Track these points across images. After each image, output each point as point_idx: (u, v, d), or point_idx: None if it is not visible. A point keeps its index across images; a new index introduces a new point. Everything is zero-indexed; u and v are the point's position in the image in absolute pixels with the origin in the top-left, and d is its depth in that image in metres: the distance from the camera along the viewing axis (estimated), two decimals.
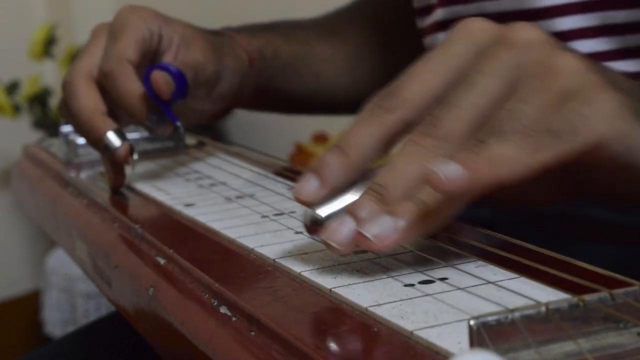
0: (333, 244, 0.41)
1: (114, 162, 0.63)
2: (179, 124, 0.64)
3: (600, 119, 0.39)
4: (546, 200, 0.47)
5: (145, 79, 0.62)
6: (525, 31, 0.41)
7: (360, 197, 0.41)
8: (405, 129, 0.42)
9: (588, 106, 0.39)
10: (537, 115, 0.39)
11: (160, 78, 0.62)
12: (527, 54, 0.41)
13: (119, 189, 0.65)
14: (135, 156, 0.63)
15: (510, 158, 0.38)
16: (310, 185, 0.43)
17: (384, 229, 0.39)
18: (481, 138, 0.39)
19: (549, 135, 0.39)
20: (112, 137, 0.62)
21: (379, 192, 0.40)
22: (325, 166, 0.42)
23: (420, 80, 0.42)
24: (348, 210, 0.41)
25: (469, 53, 0.42)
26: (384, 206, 0.40)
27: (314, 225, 0.43)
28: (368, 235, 0.39)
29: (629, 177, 0.43)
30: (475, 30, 0.43)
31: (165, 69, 0.63)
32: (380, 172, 0.41)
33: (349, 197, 0.42)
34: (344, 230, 0.40)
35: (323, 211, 0.42)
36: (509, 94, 0.40)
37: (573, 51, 0.42)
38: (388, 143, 0.42)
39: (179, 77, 0.63)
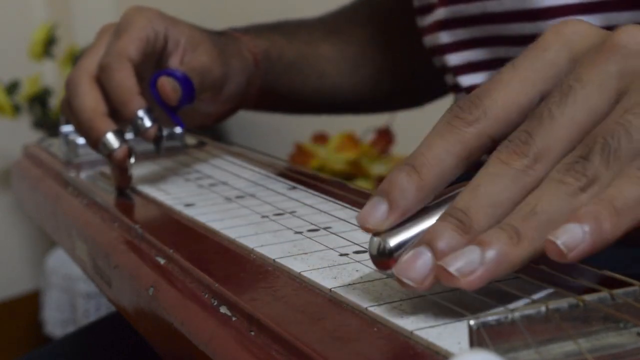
0: (407, 280, 0.35)
1: (116, 164, 0.63)
2: (185, 127, 0.64)
3: None
4: None
5: (152, 85, 0.62)
6: (628, 35, 0.37)
7: (437, 224, 0.36)
8: (489, 145, 0.37)
9: None
10: None
11: (167, 84, 0.62)
12: (632, 61, 0.36)
13: (125, 190, 0.64)
14: (133, 159, 0.63)
15: (634, 200, 0.33)
16: (378, 210, 0.37)
17: (470, 262, 0.34)
18: (583, 154, 0.35)
19: None
20: (111, 139, 0.62)
21: (459, 218, 0.35)
22: (395, 187, 0.37)
23: (508, 89, 0.37)
24: (423, 239, 0.35)
25: (564, 60, 0.38)
26: (465, 236, 0.35)
27: (382, 257, 0.37)
28: (451, 270, 0.34)
29: None
30: (571, 33, 0.38)
31: (171, 74, 0.63)
32: (460, 196, 0.36)
33: (423, 224, 0.37)
34: (419, 263, 0.35)
35: (393, 240, 0.37)
36: (612, 107, 0.36)
37: None
38: (467, 160, 0.37)
39: (185, 83, 0.63)
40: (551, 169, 0.35)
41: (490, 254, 0.34)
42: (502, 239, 0.34)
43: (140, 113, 0.62)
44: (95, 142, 0.63)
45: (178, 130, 0.77)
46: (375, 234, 0.37)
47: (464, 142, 0.37)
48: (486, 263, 0.34)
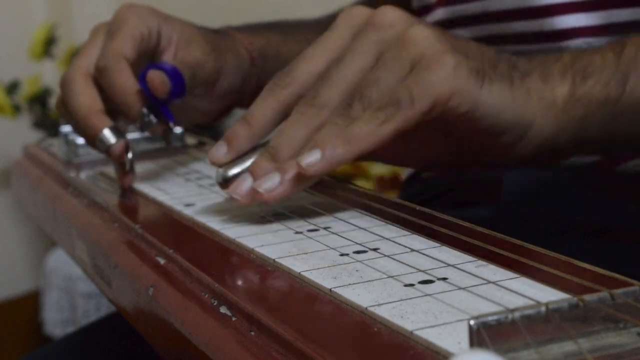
0: (235, 196, 0.50)
1: (119, 162, 0.63)
2: (175, 123, 0.64)
3: (435, 81, 0.46)
4: (430, 161, 0.56)
5: (142, 79, 0.62)
6: (387, 12, 0.50)
7: (257, 158, 0.51)
8: (298, 101, 0.51)
9: (427, 70, 0.47)
10: (391, 80, 0.47)
11: (156, 77, 0.62)
12: (388, 30, 0.49)
13: (128, 188, 0.64)
14: (130, 154, 0.63)
15: (363, 132, 0.47)
16: (220, 150, 0.52)
17: (272, 184, 0.48)
18: (348, 104, 0.48)
19: (392, 106, 0.47)
20: (108, 135, 0.62)
21: (271, 153, 0.50)
22: (232, 134, 0.52)
23: (308, 61, 0.52)
24: (249, 169, 0.50)
25: (348, 35, 0.51)
26: (274, 164, 0.49)
27: (224, 182, 0.52)
28: (260, 190, 0.48)
29: (478, 130, 0.49)
30: (353, 15, 0.52)
31: (161, 68, 0.63)
32: (273, 137, 0.51)
33: (251, 159, 0.52)
34: (244, 185, 0.50)
35: (231, 171, 0.52)
36: (373, 66, 0.49)
37: (428, 25, 0.49)
38: (283, 114, 0.52)
39: (175, 76, 0.63)
40: (333, 113, 0.49)
41: (287, 176, 0.48)
42: (293, 166, 0.48)
43: (146, 110, 0.63)
44: (92, 138, 0.63)
45: (178, 130, 0.76)
46: (220, 166, 0.53)
47: (279, 102, 0.52)
48: (284, 183, 0.48)
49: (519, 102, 0.49)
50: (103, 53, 0.64)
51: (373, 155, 0.50)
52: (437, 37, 0.48)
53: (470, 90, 0.47)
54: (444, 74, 0.47)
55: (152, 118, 0.63)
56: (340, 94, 0.49)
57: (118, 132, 0.62)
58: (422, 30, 0.48)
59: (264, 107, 0.52)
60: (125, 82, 0.62)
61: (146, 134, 0.74)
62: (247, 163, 0.52)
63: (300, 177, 0.48)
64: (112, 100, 0.63)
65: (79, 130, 0.65)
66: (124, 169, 0.64)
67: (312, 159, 0.47)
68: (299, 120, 0.50)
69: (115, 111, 0.64)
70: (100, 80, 0.64)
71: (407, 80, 0.47)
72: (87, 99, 0.63)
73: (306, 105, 0.50)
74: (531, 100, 0.50)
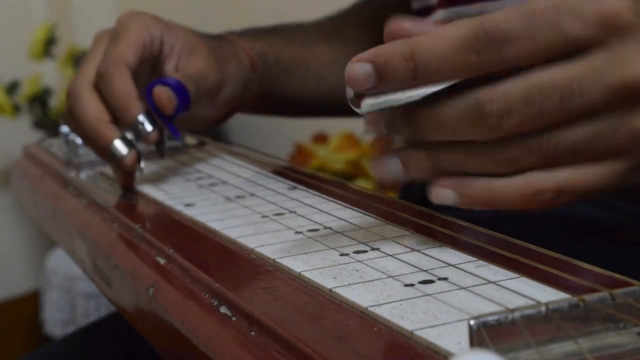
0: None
1: (123, 170, 0.63)
2: (178, 139, 0.64)
3: None
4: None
5: (148, 94, 0.62)
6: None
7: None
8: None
9: None
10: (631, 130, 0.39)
11: (162, 94, 0.62)
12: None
13: (129, 189, 0.64)
14: (142, 164, 0.63)
15: (590, 182, 0.39)
16: (364, 70, 0.40)
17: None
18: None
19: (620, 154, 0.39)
20: (119, 146, 0.62)
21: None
22: (389, 64, 0.40)
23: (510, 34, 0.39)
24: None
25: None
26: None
27: (357, 97, 0.42)
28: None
29: None
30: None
31: (166, 83, 0.62)
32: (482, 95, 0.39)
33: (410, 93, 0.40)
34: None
35: (376, 100, 0.41)
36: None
37: None
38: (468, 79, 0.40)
39: (181, 91, 0.63)
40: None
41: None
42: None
43: (141, 118, 0.62)
44: (103, 150, 0.63)
45: (175, 141, 0.76)
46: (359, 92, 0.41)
47: (482, 64, 0.39)
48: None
49: None
50: (104, 58, 0.64)
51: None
52: None
53: None
54: None
55: (147, 126, 0.62)
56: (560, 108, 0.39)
57: (129, 142, 0.62)
58: None
59: (442, 47, 0.40)
60: (124, 87, 0.62)
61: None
62: (400, 96, 0.40)
63: None
64: (109, 103, 0.63)
65: (88, 141, 0.64)
66: (129, 176, 0.64)
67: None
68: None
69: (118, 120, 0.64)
70: (99, 84, 0.64)
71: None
72: (95, 110, 0.63)
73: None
74: None
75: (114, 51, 0.64)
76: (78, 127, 0.65)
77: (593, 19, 0.38)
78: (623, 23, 0.38)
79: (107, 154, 0.62)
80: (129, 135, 0.63)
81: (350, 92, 0.42)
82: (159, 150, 0.65)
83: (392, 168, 0.42)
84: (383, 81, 0.40)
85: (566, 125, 0.38)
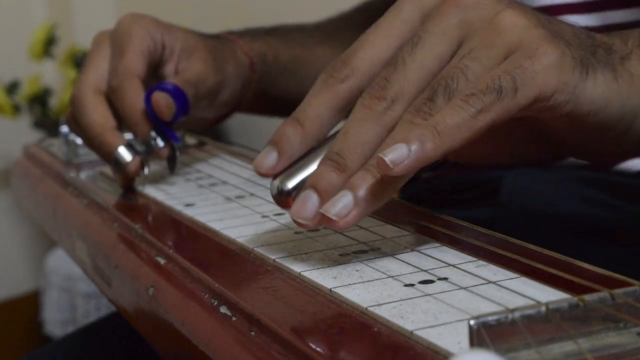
0: (301, 220, 0.41)
1: (126, 176, 0.63)
2: (179, 143, 0.65)
3: (540, 72, 0.40)
4: (520, 158, 0.49)
5: (147, 100, 0.62)
6: None
7: (319, 167, 0.42)
8: (359, 95, 0.43)
9: (529, 60, 0.40)
10: (481, 71, 0.40)
11: (161, 100, 0.61)
12: (472, 12, 0.42)
13: (129, 189, 0.64)
14: (146, 170, 0.63)
15: (455, 124, 0.39)
16: (270, 157, 0.43)
17: (344, 206, 0.40)
18: (429, 96, 0.40)
19: (491, 93, 0.39)
20: (123, 152, 0.62)
21: (335, 160, 0.41)
22: (282, 138, 0.43)
23: (370, 47, 0.43)
24: (309, 182, 0.42)
25: (416, 16, 0.43)
26: (342, 174, 0.41)
27: (281, 196, 0.44)
28: (330, 216, 0.40)
29: (583, 128, 0.43)
30: None
31: (164, 89, 0.62)
32: (335, 140, 0.42)
33: (312, 166, 0.43)
34: (309, 206, 0.41)
35: (290, 182, 0.43)
36: (455, 52, 0.41)
37: (520, 6, 0.42)
38: (343, 111, 0.44)
39: (179, 96, 0.63)
40: (407, 107, 0.41)
41: (361, 194, 0.40)
42: (368, 179, 0.40)
43: (153, 133, 0.63)
44: (108, 156, 0.63)
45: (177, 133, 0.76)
46: (274, 177, 0.44)
47: (338, 97, 0.43)
48: (359, 203, 0.40)
49: (624, 91, 0.43)
50: (115, 72, 0.64)
51: (459, 153, 0.42)
52: (534, 21, 0.41)
53: (576, 83, 0.41)
54: (549, 64, 0.40)
55: (159, 142, 0.63)
56: (416, 83, 0.41)
57: (132, 149, 0.62)
58: (516, 13, 0.41)
59: (319, 103, 0.43)
60: (138, 103, 0.62)
61: None
62: (306, 172, 0.43)
63: (378, 189, 0.40)
64: (124, 120, 0.63)
65: (93, 147, 0.65)
66: (128, 182, 0.64)
67: (397, 155, 0.39)
68: (367, 118, 0.41)
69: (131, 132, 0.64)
70: (112, 99, 0.64)
71: (506, 68, 0.40)
72: (99, 116, 0.63)
73: (374, 98, 0.41)
74: (636, 88, 0.44)
75: (123, 63, 0.63)
76: (83, 133, 0.65)
77: None
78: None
79: (112, 160, 0.63)
80: (134, 142, 0.63)
81: (274, 190, 0.44)
82: (170, 165, 0.65)
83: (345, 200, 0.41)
84: (284, 153, 0.43)
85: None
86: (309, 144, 0.44)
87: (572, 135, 0.45)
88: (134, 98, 0.62)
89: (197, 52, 0.67)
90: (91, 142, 0.64)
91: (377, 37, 0.44)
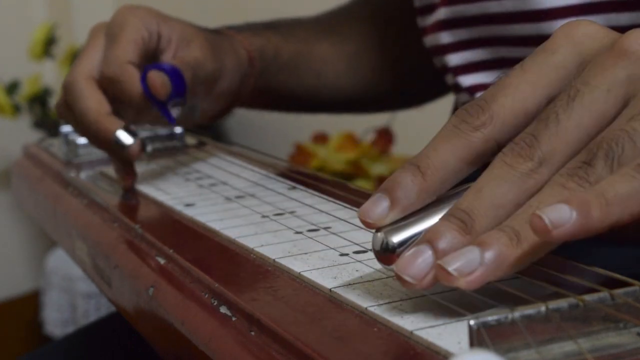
0: (407, 277, 0.35)
1: (126, 161, 0.63)
2: (173, 123, 0.65)
3: None
4: None
5: (142, 80, 0.62)
6: (638, 40, 0.36)
7: (439, 223, 0.36)
8: (495, 149, 0.37)
9: None
10: None
11: (156, 79, 0.62)
12: None
13: (130, 189, 0.64)
14: (149, 148, 0.64)
15: (627, 194, 0.33)
16: (379, 206, 0.37)
17: (469, 262, 0.34)
18: (587, 160, 0.35)
19: None
20: (123, 136, 0.62)
21: (461, 219, 0.35)
22: (398, 186, 0.37)
23: (515, 93, 0.37)
24: (425, 237, 0.36)
25: (573, 63, 0.38)
26: (467, 237, 0.35)
27: (386, 252, 0.37)
28: (450, 270, 0.34)
29: None
30: (581, 35, 0.38)
31: (161, 68, 0.62)
32: (464, 197, 0.36)
33: (426, 223, 0.37)
34: (420, 261, 0.35)
35: (396, 237, 0.37)
36: (619, 112, 0.36)
37: None
38: (473, 165, 0.38)
39: (175, 77, 0.63)
40: (555, 172, 0.35)
41: (489, 254, 0.34)
42: (502, 240, 0.34)
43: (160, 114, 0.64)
44: (107, 141, 0.62)
45: (178, 130, 0.77)
46: (378, 230, 0.37)
47: (470, 147, 0.37)
48: (485, 264, 0.34)
49: None
50: (108, 61, 0.64)
51: (621, 228, 0.34)
52: None
53: None
54: None
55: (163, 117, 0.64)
56: (571, 145, 0.35)
57: (131, 132, 0.63)
58: None
59: (446, 151, 0.37)
60: (137, 90, 0.63)
61: (147, 133, 0.74)
62: (420, 227, 0.37)
63: (510, 254, 0.34)
64: (128, 106, 0.64)
65: (89, 134, 0.64)
66: (127, 170, 0.64)
67: (558, 216, 0.32)
68: (506, 178, 0.35)
69: (120, 111, 0.64)
70: (108, 88, 0.64)
71: None
72: (94, 102, 0.63)
73: (518, 156, 0.36)
74: None
75: (116, 52, 0.63)
76: (78, 121, 0.64)
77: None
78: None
79: (111, 146, 0.62)
80: (131, 126, 0.63)
81: (378, 244, 0.38)
82: (187, 120, 0.66)
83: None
84: (397, 203, 0.37)
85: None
86: (429, 197, 0.37)
87: None
88: (133, 85, 0.62)
89: (195, 41, 0.67)
90: (87, 128, 0.64)
91: (523, 82, 0.38)
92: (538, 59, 0.38)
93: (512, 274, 0.35)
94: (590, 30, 0.38)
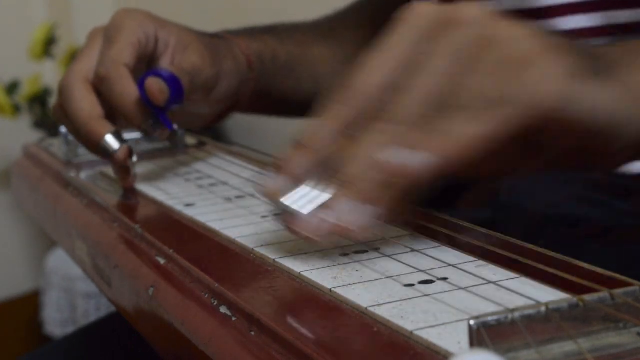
0: (309, 234, 0.42)
1: (118, 165, 0.63)
2: (175, 128, 0.65)
3: (541, 83, 0.40)
4: (528, 171, 0.48)
5: (140, 86, 0.62)
6: (467, 9, 0.42)
7: (335, 196, 0.42)
8: (361, 119, 0.43)
9: (527, 71, 0.40)
10: (481, 86, 0.40)
11: (154, 85, 0.61)
12: (469, 30, 0.42)
13: (130, 189, 0.64)
14: (135, 158, 0.63)
15: (469, 133, 0.40)
16: (274, 180, 0.44)
17: (362, 217, 0.41)
18: (434, 114, 0.41)
19: (496, 107, 0.40)
20: (111, 140, 0.62)
21: (349, 189, 0.42)
22: (287, 162, 0.44)
23: (371, 70, 0.44)
24: (325, 206, 0.42)
25: (415, 37, 0.43)
26: (359, 199, 0.41)
27: (287, 214, 0.43)
28: (348, 226, 0.41)
29: (592, 140, 0.43)
30: (419, 14, 0.44)
31: (159, 75, 0.62)
32: (345, 165, 0.42)
33: (319, 192, 0.43)
34: (322, 223, 0.41)
35: (295, 201, 0.43)
36: (457, 71, 0.42)
37: (516, 21, 0.43)
38: (346, 131, 0.44)
39: (173, 83, 0.63)
40: (415, 128, 0.41)
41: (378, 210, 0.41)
42: (384, 198, 0.41)
43: (151, 121, 0.63)
44: (95, 145, 0.63)
45: (180, 132, 0.76)
46: (275, 197, 0.43)
47: (340, 120, 0.44)
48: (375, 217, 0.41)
49: (627, 101, 0.43)
50: (102, 61, 0.64)
51: (464, 167, 0.41)
52: (531, 34, 0.42)
53: (580, 94, 0.41)
54: (552, 74, 0.40)
55: (157, 123, 0.63)
56: (421, 105, 0.41)
57: (120, 137, 0.62)
58: (511, 28, 0.42)
59: (322, 128, 0.44)
60: (128, 91, 0.62)
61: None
62: (313, 193, 0.43)
63: (380, 192, 0.41)
64: (115, 108, 0.63)
65: (79, 136, 0.64)
66: (125, 172, 0.64)
67: (420, 159, 0.40)
68: (374, 139, 0.42)
69: (114, 116, 0.64)
70: (101, 88, 0.63)
71: (508, 81, 0.40)
72: (87, 105, 0.63)
73: (380, 121, 0.42)
74: (633, 97, 0.43)
75: (111, 53, 0.63)
76: (70, 122, 0.64)
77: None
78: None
79: (99, 149, 0.62)
80: (133, 133, 0.63)
81: (279, 208, 0.43)
82: (173, 143, 0.66)
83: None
84: (288, 173, 0.44)
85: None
86: (314, 165, 0.44)
87: (577, 148, 0.44)
88: (125, 87, 0.62)
89: (192, 45, 0.67)
90: (78, 131, 0.64)
91: (377, 61, 0.44)
92: (387, 39, 0.44)
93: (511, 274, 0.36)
94: (427, 8, 0.44)
